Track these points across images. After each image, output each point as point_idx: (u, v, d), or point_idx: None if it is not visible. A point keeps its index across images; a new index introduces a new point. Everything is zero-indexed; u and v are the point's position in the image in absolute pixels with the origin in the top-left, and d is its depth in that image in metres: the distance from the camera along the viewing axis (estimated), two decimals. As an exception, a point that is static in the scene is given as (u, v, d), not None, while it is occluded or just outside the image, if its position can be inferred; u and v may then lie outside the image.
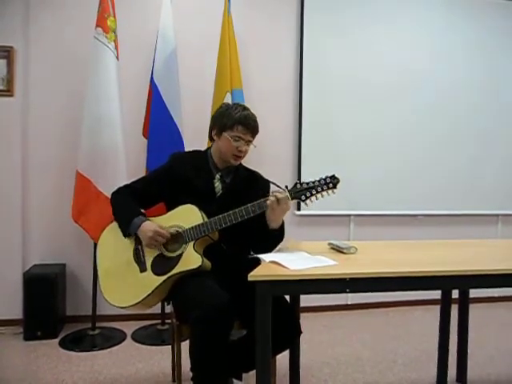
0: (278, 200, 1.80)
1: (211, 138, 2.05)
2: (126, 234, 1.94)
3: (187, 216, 1.89)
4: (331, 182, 1.83)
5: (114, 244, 1.96)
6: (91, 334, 2.95)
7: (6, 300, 3.03)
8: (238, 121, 1.93)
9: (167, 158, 2.08)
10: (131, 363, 2.61)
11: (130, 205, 1.97)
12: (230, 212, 1.84)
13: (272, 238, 1.92)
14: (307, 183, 1.85)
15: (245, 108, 2.00)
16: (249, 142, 1.98)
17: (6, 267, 3.04)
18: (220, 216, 1.84)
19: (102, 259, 1.97)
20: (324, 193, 1.84)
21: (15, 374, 2.43)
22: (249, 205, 1.83)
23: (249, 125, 1.94)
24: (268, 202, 1.80)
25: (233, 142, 1.93)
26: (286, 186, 1.86)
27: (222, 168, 2.02)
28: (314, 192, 1.83)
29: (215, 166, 2.02)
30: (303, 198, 1.83)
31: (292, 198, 1.83)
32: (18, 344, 2.83)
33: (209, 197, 1.96)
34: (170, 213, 1.95)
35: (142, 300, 1.84)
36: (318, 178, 1.85)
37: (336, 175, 1.85)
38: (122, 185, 2.08)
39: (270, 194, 1.87)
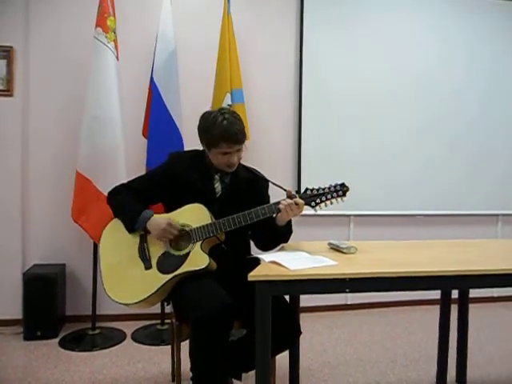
0: (296, 205, 1.83)
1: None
2: (132, 229, 1.92)
3: (195, 215, 1.90)
4: (341, 190, 1.88)
5: (117, 240, 1.95)
6: (91, 334, 2.95)
7: (6, 300, 3.03)
8: (220, 138, 1.85)
9: (166, 158, 2.07)
10: (131, 363, 2.61)
11: (132, 201, 1.95)
12: (240, 214, 1.85)
13: (282, 235, 1.96)
14: (317, 189, 1.90)
15: (224, 118, 1.86)
16: (239, 150, 1.92)
17: (6, 267, 3.04)
18: (229, 217, 1.85)
19: (105, 255, 1.95)
20: (333, 200, 1.89)
21: (15, 374, 2.43)
22: (259, 208, 1.85)
23: (231, 139, 1.85)
24: (281, 206, 1.83)
25: (221, 157, 1.91)
26: (297, 191, 1.89)
27: (220, 169, 2.02)
28: (323, 199, 1.88)
29: (214, 166, 2.01)
30: (313, 204, 1.88)
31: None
32: (17, 344, 2.82)
33: (209, 197, 1.96)
34: (176, 211, 1.94)
35: (147, 298, 1.83)
36: (327, 185, 1.90)
37: (345, 183, 1.90)
38: (118, 184, 2.07)
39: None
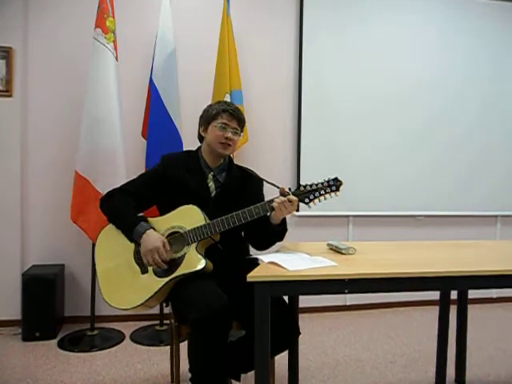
0: (290, 202, 1.82)
1: (200, 138, 2.07)
2: (130, 240, 1.92)
3: (189, 217, 1.89)
4: (334, 185, 1.87)
5: (112, 245, 1.94)
6: (90, 335, 2.95)
7: (5, 300, 3.03)
8: (222, 109, 1.97)
9: (159, 160, 2.07)
10: (130, 364, 2.60)
11: (127, 210, 1.94)
12: (233, 214, 1.84)
13: (277, 233, 1.96)
14: (310, 185, 1.88)
15: (226, 102, 2.07)
16: (236, 131, 1.99)
17: (5, 268, 3.04)
18: (223, 217, 1.84)
19: (101, 260, 1.95)
20: (327, 195, 1.87)
21: (14, 375, 2.42)
22: (252, 207, 1.84)
23: (233, 112, 1.98)
24: (275, 204, 1.82)
25: (219, 130, 1.96)
26: (290, 188, 1.88)
27: (213, 167, 2.02)
28: (317, 195, 1.86)
29: (207, 165, 2.02)
30: (307, 200, 1.87)
31: None
32: (16, 345, 2.82)
33: (204, 197, 1.96)
34: (170, 213, 1.93)
35: (144, 302, 1.83)
36: (321, 181, 1.88)
37: (339, 177, 1.88)
38: (111, 188, 2.04)
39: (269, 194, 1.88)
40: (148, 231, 1.87)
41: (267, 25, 3.46)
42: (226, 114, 1.97)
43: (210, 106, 2.06)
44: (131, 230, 1.89)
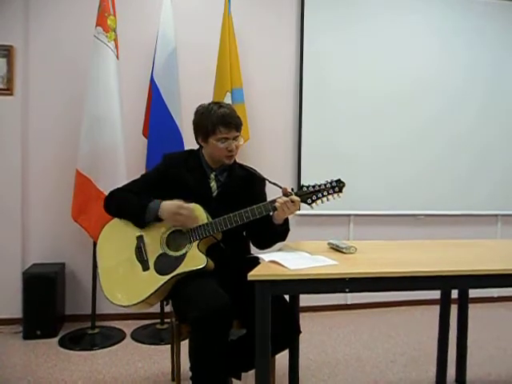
0: (292, 202, 1.81)
1: (199, 144, 2.04)
2: (143, 224, 1.91)
3: None
4: (337, 186, 1.87)
5: (114, 242, 1.95)
6: (90, 333, 2.95)
7: (6, 299, 3.03)
8: (218, 123, 1.90)
9: (160, 160, 2.07)
10: (130, 362, 2.61)
11: (135, 197, 1.93)
12: (236, 213, 1.84)
13: (279, 233, 1.96)
14: (313, 186, 1.88)
15: (220, 106, 1.96)
16: (236, 138, 1.95)
17: (6, 266, 3.04)
18: (225, 216, 1.85)
19: (103, 257, 1.95)
20: (330, 197, 1.87)
21: (14, 373, 2.43)
22: (254, 206, 1.84)
23: (230, 123, 1.91)
24: (277, 204, 1.82)
25: (220, 144, 1.92)
26: (292, 189, 1.88)
27: (215, 167, 2.02)
28: (319, 196, 1.87)
29: (208, 165, 2.02)
30: (309, 201, 1.87)
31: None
32: (17, 343, 2.82)
33: (205, 197, 1.95)
34: None
35: (145, 299, 1.83)
36: (323, 182, 1.89)
37: (341, 179, 1.88)
38: (113, 188, 2.04)
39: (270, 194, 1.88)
40: (162, 202, 1.87)
41: (268, 23, 3.46)
42: (223, 127, 1.90)
43: (203, 113, 1.96)
44: (143, 211, 1.88)
